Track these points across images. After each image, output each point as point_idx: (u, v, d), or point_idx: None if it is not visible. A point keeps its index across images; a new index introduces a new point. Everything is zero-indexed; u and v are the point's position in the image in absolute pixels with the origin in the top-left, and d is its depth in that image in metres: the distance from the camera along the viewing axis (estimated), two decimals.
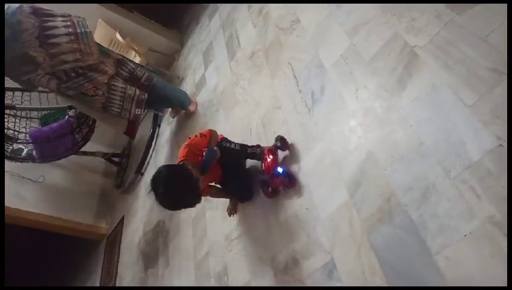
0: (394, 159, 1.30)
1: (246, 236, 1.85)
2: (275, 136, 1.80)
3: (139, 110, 2.59)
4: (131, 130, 2.84)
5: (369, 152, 1.40)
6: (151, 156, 3.41)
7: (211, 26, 3.27)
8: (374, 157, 1.38)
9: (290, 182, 1.66)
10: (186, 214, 2.43)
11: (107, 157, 3.83)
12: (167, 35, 3.83)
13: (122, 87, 2.48)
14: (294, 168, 1.71)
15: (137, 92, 2.55)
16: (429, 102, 1.27)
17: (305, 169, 1.66)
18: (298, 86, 1.90)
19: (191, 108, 2.91)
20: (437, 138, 1.20)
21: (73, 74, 2.28)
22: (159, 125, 3.48)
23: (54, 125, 2.96)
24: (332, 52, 1.76)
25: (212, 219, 2.16)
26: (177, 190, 1.59)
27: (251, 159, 1.90)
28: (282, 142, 1.76)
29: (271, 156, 1.73)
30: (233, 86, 2.48)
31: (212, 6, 3.44)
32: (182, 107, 2.94)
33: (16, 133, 2.94)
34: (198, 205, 2.29)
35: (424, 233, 1.13)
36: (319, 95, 1.74)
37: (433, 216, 1.12)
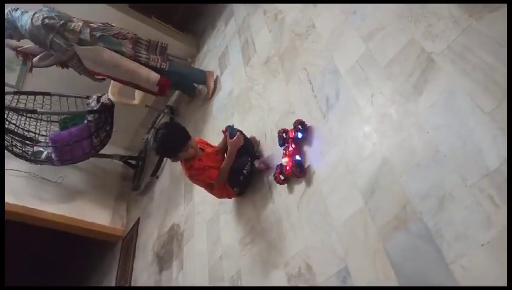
0: (410, 166, 1.29)
1: (259, 241, 1.85)
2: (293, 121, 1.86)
3: (163, 56, 2.89)
4: (163, 87, 2.84)
5: (384, 159, 1.39)
6: (166, 159, 3.46)
7: (227, 31, 3.30)
8: (389, 164, 1.36)
9: (301, 172, 1.71)
10: (201, 218, 2.45)
11: (124, 160, 3.90)
12: (184, 40, 3.88)
13: (146, 40, 2.83)
14: (309, 155, 1.77)
15: (159, 42, 2.89)
16: (446, 108, 1.26)
17: (319, 175, 1.66)
18: (313, 91, 1.90)
19: (209, 82, 3.06)
20: (454, 145, 1.19)
21: (102, 26, 2.70)
22: None
23: (73, 129, 3.02)
24: (348, 58, 1.76)
25: (226, 222, 2.17)
26: (173, 130, 1.98)
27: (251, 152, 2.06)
28: (302, 126, 1.81)
29: (293, 145, 1.80)
30: (248, 90, 2.49)
31: (227, 11, 3.47)
32: (200, 81, 3.16)
33: (37, 136, 3.02)
34: (212, 209, 2.33)
35: (440, 241, 1.11)
36: (334, 100, 1.74)
37: (450, 224, 1.11)
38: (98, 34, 2.59)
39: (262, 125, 2.19)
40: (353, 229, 1.40)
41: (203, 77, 3.12)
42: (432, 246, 1.13)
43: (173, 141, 1.93)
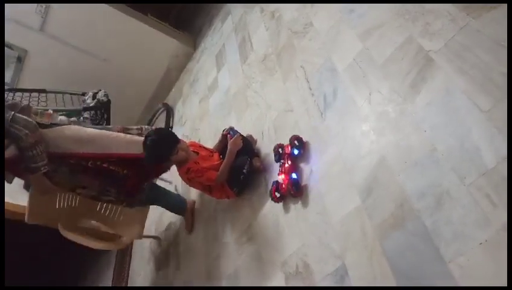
0: (407, 164, 1.29)
1: (257, 239, 1.85)
2: (289, 137, 1.79)
3: None
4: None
5: (381, 157, 1.39)
6: None
7: (224, 29, 3.29)
8: (387, 162, 1.36)
9: (297, 191, 1.66)
10: (198, 216, 2.44)
11: None
12: (180, 38, 3.87)
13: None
14: (306, 172, 1.70)
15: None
16: (443, 107, 1.26)
17: (316, 173, 1.65)
18: (310, 89, 1.89)
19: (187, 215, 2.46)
20: (451, 143, 1.19)
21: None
22: (172, 127, 3.51)
23: None
24: (345, 56, 1.76)
25: (224, 221, 2.16)
26: (161, 136, 1.92)
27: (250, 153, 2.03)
28: (299, 142, 1.75)
29: (289, 162, 1.73)
30: (246, 89, 2.48)
31: (224, 9, 3.46)
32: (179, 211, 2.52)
33: None
34: (210, 208, 2.32)
35: (438, 240, 1.11)
36: (332, 98, 1.73)
37: (447, 223, 1.11)
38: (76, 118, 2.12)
39: (259, 124, 2.18)
40: (350, 227, 1.40)
41: (183, 207, 2.47)
42: (429, 244, 1.13)
43: (162, 146, 1.91)
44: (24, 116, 1.73)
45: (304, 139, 1.77)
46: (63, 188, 2.04)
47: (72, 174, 1.93)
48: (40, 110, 1.93)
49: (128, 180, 2.05)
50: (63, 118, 2.02)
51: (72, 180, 1.99)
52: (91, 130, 1.94)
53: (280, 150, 1.81)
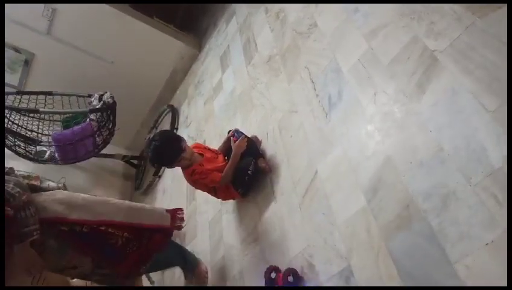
0: (413, 165, 1.28)
1: (262, 240, 1.85)
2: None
3: None
4: (174, 213, 1.96)
5: (387, 158, 1.39)
6: None
7: (228, 30, 3.29)
8: (392, 163, 1.36)
9: None
10: (203, 217, 2.45)
11: (126, 159, 3.90)
12: (185, 40, 3.88)
13: None
14: None
15: None
16: (449, 107, 1.25)
17: (321, 174, 1.65)
18: (315, 90, 1.89)
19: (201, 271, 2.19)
20: (457, 143, 1.18)
21: None
22: (177, 128, 3.53)
23: (76, 128, 3.02)
24: (350, 56, 1.75)
25: (229, 222, 2.17)
26: (166, 142, 1.94)
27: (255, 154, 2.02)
28: (294, 279, 1.51)
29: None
30: (250, 90, 2.49)
31: (229, 10, 3.46)
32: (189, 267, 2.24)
33: (40, 135, 3.02)
34: (215, 209, 2.32)
35: (444, 241, 1.11)
36: (337, 99, 1.73)
37: (453, 224, 1.10)
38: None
39: (264, 125, 2.18)
40: (356, 228, 1.39)
41: (195, 263, 2.21)
42: (435, 245, 1.12)
43: (165, 153, 1.93)
44: (14, 178, 1.59)
45: (300, 274, 1.52)
46: (50, 268, 1.72)
47: (61, 250, 1.68)
48: (27, 174, 1.80)
49: (128, 257, 1.79)
50: (52, 183, 1.92)
51: (61, 258, 1.70)
52: (86, 195, 1.76)
53: (273, 274, 1.58)
